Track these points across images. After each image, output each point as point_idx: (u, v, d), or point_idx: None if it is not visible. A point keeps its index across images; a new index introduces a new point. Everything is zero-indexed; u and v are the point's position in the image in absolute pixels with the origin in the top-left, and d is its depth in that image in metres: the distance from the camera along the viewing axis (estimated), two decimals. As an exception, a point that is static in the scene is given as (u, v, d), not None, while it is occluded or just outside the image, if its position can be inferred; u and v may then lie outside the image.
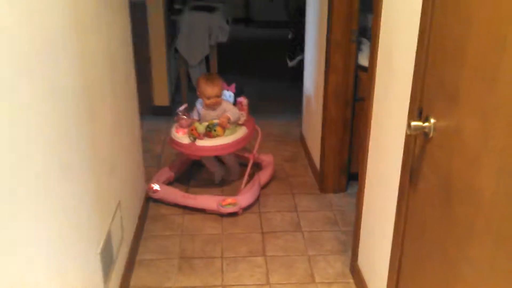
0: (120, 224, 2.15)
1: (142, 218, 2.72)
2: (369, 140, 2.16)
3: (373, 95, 2.06)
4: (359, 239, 2.30)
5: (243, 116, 2.98)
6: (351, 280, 2.32)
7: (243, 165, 3.15)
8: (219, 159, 3.16)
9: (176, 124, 2.91)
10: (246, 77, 5.48)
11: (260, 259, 2.47)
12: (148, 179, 2.99)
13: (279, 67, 5.36)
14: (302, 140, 3.81)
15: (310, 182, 3.25)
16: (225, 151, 2.87)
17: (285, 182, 3.24)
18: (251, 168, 3.05)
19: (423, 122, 1.48)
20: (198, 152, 2.82)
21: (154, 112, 4.33)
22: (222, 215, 2.82)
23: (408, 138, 1.65)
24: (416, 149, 1.59)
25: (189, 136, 2.78)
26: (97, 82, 1.85)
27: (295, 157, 3.60)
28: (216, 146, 2.80)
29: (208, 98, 2.82)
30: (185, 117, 2.87)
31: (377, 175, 2.07)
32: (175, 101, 4.63)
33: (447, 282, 1.40)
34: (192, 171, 3.29)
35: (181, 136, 2.82)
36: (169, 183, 3.06)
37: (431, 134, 1.47)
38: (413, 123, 1.49)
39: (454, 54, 1.33)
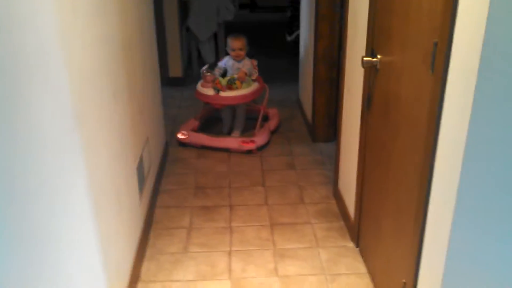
0: (148, 155, 2.73)
1: (163, 159, 3.31)
2: (343, 88, 2.71)
3: (345, 48, 2.62)
4: (339, 168, 2.87)
5: (256, 73, 3.67)
6: (333, 201, 2.89)
7: (253, 118, 3.78)
8: (232, 113, 3.84)
9: (201, 81, 3.57)
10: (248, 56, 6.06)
11: (260, 188, 3.05)
12: (168, 133, 3.58)
13: (280, 45, 5.92)
14: (298, 103, 4.38)
15: (304, 134, 3.83)
16: (243, 100, 3.55)
17: (283, 135, 3.82)
18: (255, 119, 3.75)
19: (372, 58, 2.04)
20: (221, 101, 3.49)
21: (169, 83, 4.90)
22: (230, 154, 3.41)
23: (366, 74, 2.20)
24: (371, 81, 2.15)
25: (214, 89, 3.45)
26: (132, 40, 2.42)
27: (292, 116, 4.16)
28: (236, 96, 3.49)
29: (233, 50, 3.58)
30: (209, 74, 3.52)
31: (347, 113, 2.63)
32: (187, 73, 5.21)
33: (386, 169, 1.97)
34: (209, 125, 3.89)
35: (207, 89, 3.49)
36: (193, 131, 3.77)
37: (378, 66, 2.03)
38: (365, 59, 2.05)
39: (388, 6, 1.89)
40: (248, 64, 3.63)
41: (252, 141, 3.51)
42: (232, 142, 3.55)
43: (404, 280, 1.75)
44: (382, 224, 2.08)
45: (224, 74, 3.68)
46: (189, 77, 5.18)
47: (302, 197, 2.94)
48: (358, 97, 2.35)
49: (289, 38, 5.23)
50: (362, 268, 2.32)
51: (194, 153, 3.53)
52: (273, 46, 6.20)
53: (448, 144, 1.40)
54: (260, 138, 3.57)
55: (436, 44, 1.42)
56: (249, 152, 3.50)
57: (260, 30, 7.24)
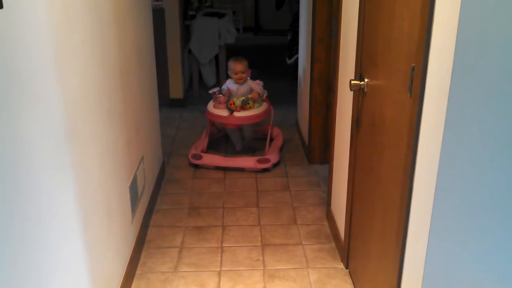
0: (143, 174, 2.77)
1: (159, 179, 3.35)
2: (336, 110, 2.76)
3: (338, 71, 2.67)
4: (331, 190, 2.89)
5: (265, 92, 3.76)
6: (326, 223, 2.91)
7: (259, 138, 4.03)
8: (239, 132, 3.93)
9: (213, 102, 3.69)
10: (252, 77, 6.14)
11: (254, 209, 3.07)
12: (165, 153, 3.62)
13: (281, 68, 6.01)
14: (296, 125, 4.43)
15: (301, 156, 3.86)
16: (257, 119, 3.65)
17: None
18: (260, 139, 3.96)
19: (360, 81, 2.09)
20: (236, 121, 3.60)
21: (170, 104, 4.97)
22: (226, 174, 3.43)
23: (354, 96, 2.25)
24: (359, 104, 2.19)
25: (228, 109, 3.59)
26: (130, 60, 2.49)
27: (290, 139, 4.20)
28: (251, 115, 3.61)
29: (236, 73, 3.63)
30: (221, 95, 3.62)
31: (339, 135, 2.66)
32: (187, 94, 5.28)
33: (374, 190, 2.00)
34: (215, 145, 3.99)
35: (220, 110, 3.61)
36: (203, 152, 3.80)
37: (365, 90, 2.07)
38: (353, 82, 2.10)
39: (374, 33, 1.94)
40: (254, 85, 3.71)
41: (268, 160, 3.57)
42: (248, 161, 3.59)
43: (388, 300, 1.76)
44: (369, 246, 2.10)
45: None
46: (189, 99, 5.25)
47: (295, 218, 2.96)
48: (348, 119, 2.39)
49: (289, 61, 5.31)
50: (351, 289, 2.32)
51: (190, 173, 3.56)
52: (274, 69, 6.29)
53: (424, 165, 1.43)
54: (273, 156, 3.65)
55: (413, 68, 1.46)
56: (265, 170, 3.57)
57: (262, 53, 7.35)
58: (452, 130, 1.26)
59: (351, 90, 2.15)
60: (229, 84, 3.72)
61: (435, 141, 1.33)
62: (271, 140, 3.96)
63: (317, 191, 3.30)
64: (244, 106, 3.57)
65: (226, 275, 2.42)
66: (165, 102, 4.92)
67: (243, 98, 3.58)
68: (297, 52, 4.93)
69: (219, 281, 2.38)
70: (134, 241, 2.50)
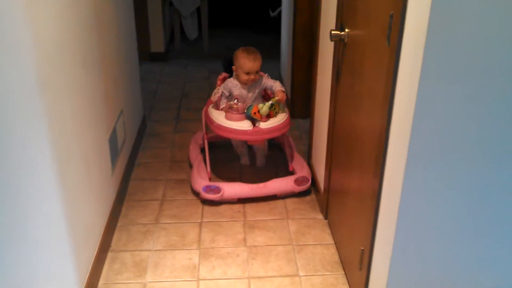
0: (123, 128, 2.74)
1: (141, 133, 3.32)
2: (317, 63, 2.73)
3: (319, 22, 2.62)
4: (312, 143, 2.90)
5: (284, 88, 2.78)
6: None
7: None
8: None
9: (225, 114, 2.63)
10: (235, 31, 6.04)
11: (235, 162, 3.07)
12: (146, 108, 3.58)
13: (265, 21, 5.90)
14: (279, 80, 4.38)
15: (283, 110, 3.84)
16: (287, 128, 2.69)
17: (262, 110, 3.83)
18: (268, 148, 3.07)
19: (340, 31, 2.06)
20: (266, 135, 2.59)
21: (151, 58, 4.88)
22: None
23: (335, 47, 2.22)
24: (339, 54, 2.17)
25: (249, 119, 2.58)
26: (106, 9, 2.41)
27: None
28: (280, 124, 2.62)
29: (248, 73, 2.61)
30: (237, 102, 2.61)
31: (320, 87, 2.65)
32: (169, 48, 5.18)
33: (351, 142, 2.01)
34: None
35: (240, 123, 2.57)
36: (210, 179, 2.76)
37: (346, 40, 2.05)
38: (333, 32, 2.06)
39: (355, -22, 1.90)
40: (267, 82, 2.75)
41: (305, 179, 2.71)
42: (282, 184, 2.67)
43: (362, 248, 1.80)
44: (347, 197, 2.13)
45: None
46: (171, 53, 5.16)
47: (276, 171, 2.98)
48: (329, 71, 2.37)
49: (272, 14, 5.21)
50: (329, 239, 2.37)
51: (171, 127, 3.54)
52: (257, 22, 6.17)
53: (400, 116, 1.43)
54: (305, 169, 2.80)
55: (391, 16, 1.44)
56: (305, 193, 2.75)
57: (245, 5, 7.18)
58: (428, 80, 1.26)
59: (331, 40, 2.12)
60: (233, 88, 2.69)
61: (411, 91, 1.33)
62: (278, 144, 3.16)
63: (299, 144, 3.31)
64: (271, 113, 2.60)
65: (207, 226, 2.45)
66: (146, 56, 4.82)
67: (270, 102, 2.56)
68: (280, 5, 4.83)
69: (200, 232, 2.41)
70: (115, 193, 2.51)
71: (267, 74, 2.84)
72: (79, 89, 1.95)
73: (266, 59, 4.95)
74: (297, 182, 2.68)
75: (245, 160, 3.03)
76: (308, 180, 2.70)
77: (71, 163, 1.83)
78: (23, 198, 1.40)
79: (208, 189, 2.59)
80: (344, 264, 2.18)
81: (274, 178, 2.72)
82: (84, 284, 1.92)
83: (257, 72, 2.65)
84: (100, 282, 2.07)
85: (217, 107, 2.76)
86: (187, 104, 3.95)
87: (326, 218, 2.53)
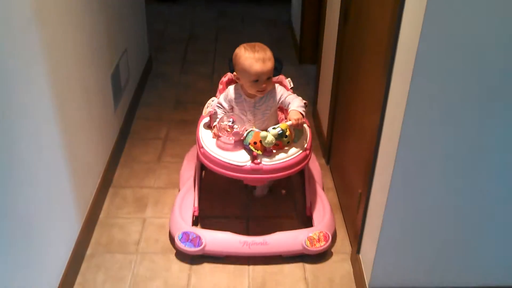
0: (127, 66, 2.71)
1: (146, 73, 3.29)
2: (326, 6, 2.64)
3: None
4: (318, 88, 2.86)
5: (305, 104, 1.91)
6: (312, 121, 2.91)
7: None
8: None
9: (216, 141, 1.88)
10: None
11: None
12: (153, 49, 3.53)
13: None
14: (289, 24, 4.29)
15: (292, 56, 3.78)
16: (305, 162, 1.90)
17: (270, 55, 3.76)
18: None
19: (350, -30, 1.97)
20: (267, 174, 1.81)
21: (159, -2, 4.78)
22: (215, 69, 3.38)
23: (344, -12, 2.14)
24: (348, -4, 2.09)
25: (248, 151, 1.81)
26: None
27: (282, 38, 4.09)
28: (291, 160, 1.83)
29: (257, 79, 1.79)
30: (232, 123, 1.81)
31: (328, 31, 2.58)
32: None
33: (355, 87, 1.97)
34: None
35: (235, 155, 1.82)
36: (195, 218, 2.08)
37: (355, -20, 1.97)
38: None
39: None
40: (283, 93, 1.91)
41: (325, 235, 1.93)
42: (289, 242, 1.91)
43: (360, 191, 1.81)
44: (348, 142, 2.11)
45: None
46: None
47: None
48: (337, 15, 2.30)
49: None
50: (330, 183, 2.38)
51: (177, 68, 3.51)
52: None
53: (401, 62, 1.39)
54: (329, 220, 2.00)
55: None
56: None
57: None
58: (430, 27, 1.21)
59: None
60: (235, 100, 1.91)
61: (413, 37, 1.28)
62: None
63: (306, 90, 3.26)
64: (280, 143, 1.81)
65: (208, 167, 2.46)
66: (155, -5, 4.72)
67: (278, 128, 1.76)
68: None
69: (202, 171, 2.42)
70: (118, 131, 2.51)
71: (288, 79, 2.07)
72: (77, 21, 1.90)
73: (277, 4, 4.83)
74: (312, 240, 1.90)
75: (260, 190, 2.21)
76: (328, 238, 1.91)
77: (71, 95, 1.82)
78: (22, 133, 1.40)
79: (185, 237, 1.88)
80: (343, 207, 2.19)
81: (279, 224, 2.04)
82: (85, 217, 1.95)
83: (269, 78, 1.81)
84: (101, 216, 2.11)
85: (211, 122, 1.97)
86: (194, 46, 3.90)
87: (328, 163, 2.53)
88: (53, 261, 1.65)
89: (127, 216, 2.12)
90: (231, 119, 1.82)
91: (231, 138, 1.83)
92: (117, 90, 2.48)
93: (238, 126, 1.81)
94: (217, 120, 1.88)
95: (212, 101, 1.98)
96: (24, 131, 1.42)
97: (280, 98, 1.90)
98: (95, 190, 2.09)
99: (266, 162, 1.80)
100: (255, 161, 1.79)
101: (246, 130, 1.82)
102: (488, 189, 1.50)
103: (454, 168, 1.46)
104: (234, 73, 1.88)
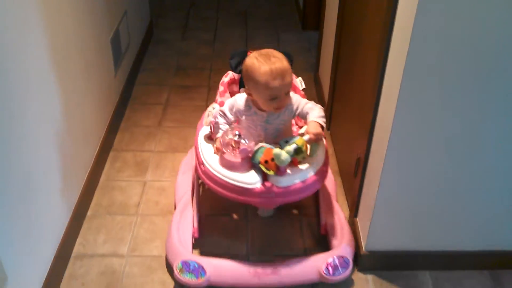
0: (127, 30, 2.69)
1: (147, 39, 3.26)
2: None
3: None
4: (320, 54, 2.83)
5: (322, 114, 1.62)
6: (313, 88, 2.90)
7: None
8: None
9: (219, 158, 1.60)
10: None
11: (241, 72, 3.04)
12: (154, 15, 3.48)
13: None
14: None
15: (295, 22, 3.73)
16: (322, 181, 1.66)
17: (272, 23, 3.72)
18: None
19: None
20: (280, 198, 1.56)
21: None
22: (216, 36, 3.35)
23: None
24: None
25: (267, 171, 1.52)
26: None
27: (284, 2, 4.03)
28: (308, 181, 1.58)
29: (275, 98, 1.54)
30: (239, 138, 1.52)
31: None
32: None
33: (355, 54, 1.95)
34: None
35: (243, 175, 1.55)
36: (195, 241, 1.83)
37: None
38: None
39: None
40: (299, 104, 1.63)
41: (344, 261, 1.66)
42: (304, 270, 1.65)
43: (358, 156, 1.81)
44: (348, 108, 2.11)
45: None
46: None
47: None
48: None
49: None
50: (330, 149, 2.38)
51: (178, 35, 3.47)
52: None
53: (399, 30, 1.37)
54: (348, 241, 1.74)
55: None
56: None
57: None
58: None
59: None
60: (243, 112, 1.65)
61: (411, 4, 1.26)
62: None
63: (307, 57, 3.24)
64: (294, 160, 1.56)
65: (208, 132, 2.47)
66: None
67: (294, 145, 1.50)
68: None
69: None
70: (118, 95, 2.51)
71: (299, 78, 1.81)
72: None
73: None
74: (331, 267, 1.64)
75: (265, 211, 1.94)
76: (348, 264, 1.66)
77: (70, 61, 1.81)
78: (22, 99, 1.40)
79: (186, 267, 1.61)
80: (342, 172, 2.20)
81: (290, 243, 1.82)
82: (85, 180, 1.97)
83: (287, 92, 1.57)
84: (102, 179, 2.13)
85: (212, 134, 1.68)
86: (196, 13, 3.85)
87: (328, 129, 2.53)
88: (54, 222, 1.67)
89: (127, 179, 2.14)
90: (237, 133, 1.52)
91: (237, 155, 1.54)
92: (117, 54, 2.46)
93: (246, 141, 1.52)
94: (220, 132, 1.61)
95: (213, 108, 1.71)
96: (24, 97, 1.42)
97: (296, 109, 1.62)
98: (95, 154, 2.10)
99: (279, 183, 1.53)
100: (267, 182, 1.53)
101: (255, 146, 1.53)
102: (484, 155, 1.50)
103: (451, 134, 1.46)
104: (245, 88, 1.60)
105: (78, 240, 1.84)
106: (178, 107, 2.66)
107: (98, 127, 2.18)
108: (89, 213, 1.96)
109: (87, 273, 1.71)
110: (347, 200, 2.06)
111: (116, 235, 1.86)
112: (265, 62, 1.52)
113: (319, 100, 2.74)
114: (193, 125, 2.50)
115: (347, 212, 2.00)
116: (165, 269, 1.73)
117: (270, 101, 1.54)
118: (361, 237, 1.77)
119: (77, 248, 1.80)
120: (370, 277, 1.74)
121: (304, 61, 3.18)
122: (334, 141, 2.40)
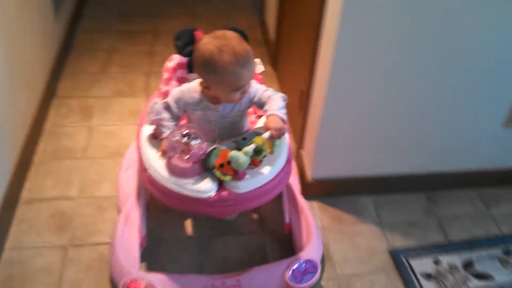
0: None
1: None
2: None
3: None
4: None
5: (283, 104, 1.40)
6: (259, 30, 2.89)
7: None
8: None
9: (166, 162, 1.35)
10: None
11: (189, 17, 2.99)
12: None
13: None
14: None
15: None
16: (284, 182, 1.44)
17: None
18: None
19: None
20: (239, 206, 1.36)
21: None
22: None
23: None
24: None
25: (216, 174, 1.30)
26: None
27: None
28: (274, 179, 1.38)
29: (237, 88, 1.33)
30: (188, 139, 1.29)
31: None
32: None
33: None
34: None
35: (194, 182, 1.31)
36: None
37: None
38: None
39: None
40: (256, 92, 1.42)
41: (311, 265, 1.49)
42: (268, 279, 1.46)
43: (302, 89, 1.85)
44: (293, 47, 2.13)
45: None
46: None
47: (229, 25, 2.90)
48: None
49: None
50: (277, 89, 2.42)
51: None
52: None
53: None
54: (315, 244, 1.56)
55: None
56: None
57: None
58: None
59: None
60: (193, 106, 1.42)
61: None
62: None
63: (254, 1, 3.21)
64: (255, 161, 1.33)
65: (155, 76, 2.45)
66: None
67: (253, 145, 1.27)
68: None
69: (148, 81, 2.41)
70: (60, 40, 2.43)
71: (258, 60, 1.55)
72: None
73: None
74: (297, 274, 1.46)
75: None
76: (316, 269, 1.49)
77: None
78: None
79: (133, 286, 1.38)
80: (289, 109, 2.24)
81: (249, 245, 1.64)
82: (29, 126, 1.93)
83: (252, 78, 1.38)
84: (47, 125, 2.10)
85: (156, 133, 1.44)
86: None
87: (275, 70, 2.55)
88: (-3, 165, 1.65)
89: (73, 124, 2.11)
90: (186, 133, 1.29)
91: (187, 160, 1.30)
92: (56, -2, 2.37)
93: (197, 142, 1.29)
94: (165, 132, 1.38)
95: (155, 104, 1.42)
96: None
97: (254, 97, 1.41)
98: (39, 100, 2.05)
99: (237, 188, 1.31)
100: (222, 189, 1.32)
101: (207, 147, 1.31)
102: (418, 86, 1.57)
103: (389, 66, 1.51)
104: (200, 80, 1.37)
105: (26, 185, 1.82)
106: (124, 53, 2.61)
107: (40, 72, 2.12)
108: (35, 159, 1.93)
109: (37, 216, 1.71)
110: (293, 134, 2.12)
111: (64, 178, 1.85)
112: (225, 49, 1.27)
113: (265, 41, 2.75)
114: (139, 70, 2.49)
115: (295, 146, 2.06)
116: (116, 209, 1.75)
117: (235, 93, 1.32)
118: (306, 167, 1.84)
119: (25, 193, 1.79)
120: (315, 204, 1.82)
121: (250, 3, 3.16)
122: (281, 82, 2.43)
